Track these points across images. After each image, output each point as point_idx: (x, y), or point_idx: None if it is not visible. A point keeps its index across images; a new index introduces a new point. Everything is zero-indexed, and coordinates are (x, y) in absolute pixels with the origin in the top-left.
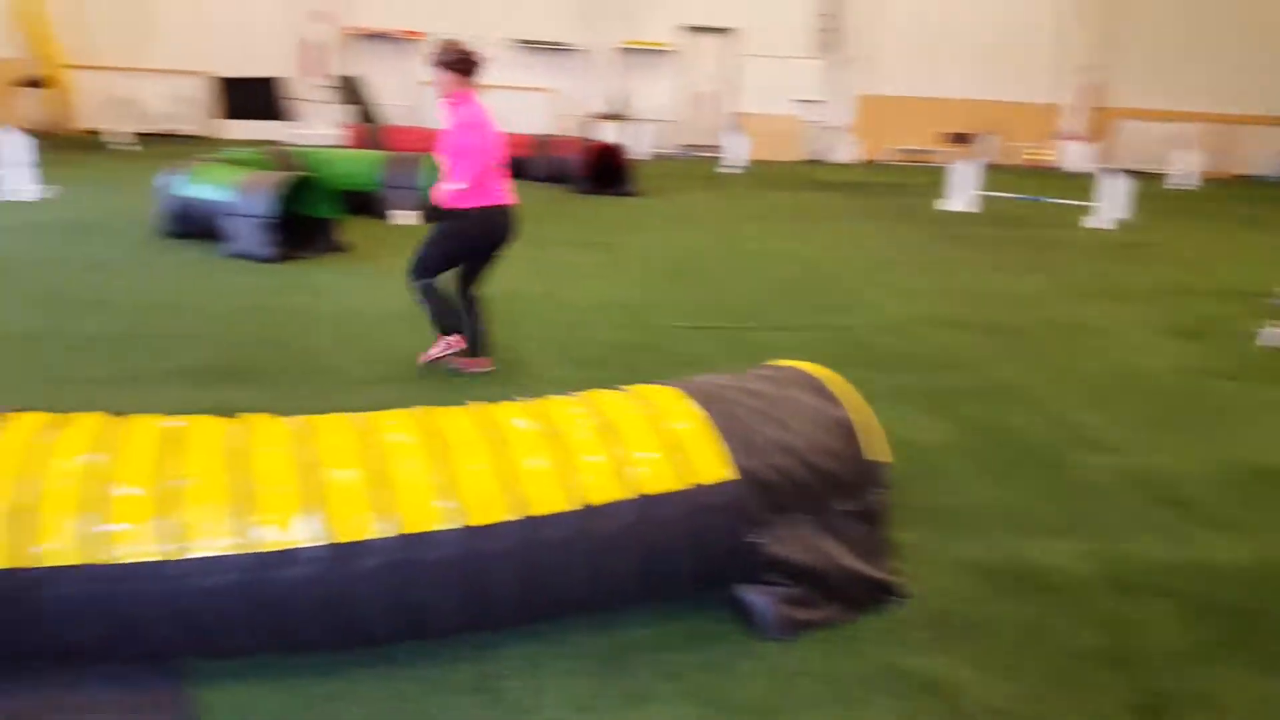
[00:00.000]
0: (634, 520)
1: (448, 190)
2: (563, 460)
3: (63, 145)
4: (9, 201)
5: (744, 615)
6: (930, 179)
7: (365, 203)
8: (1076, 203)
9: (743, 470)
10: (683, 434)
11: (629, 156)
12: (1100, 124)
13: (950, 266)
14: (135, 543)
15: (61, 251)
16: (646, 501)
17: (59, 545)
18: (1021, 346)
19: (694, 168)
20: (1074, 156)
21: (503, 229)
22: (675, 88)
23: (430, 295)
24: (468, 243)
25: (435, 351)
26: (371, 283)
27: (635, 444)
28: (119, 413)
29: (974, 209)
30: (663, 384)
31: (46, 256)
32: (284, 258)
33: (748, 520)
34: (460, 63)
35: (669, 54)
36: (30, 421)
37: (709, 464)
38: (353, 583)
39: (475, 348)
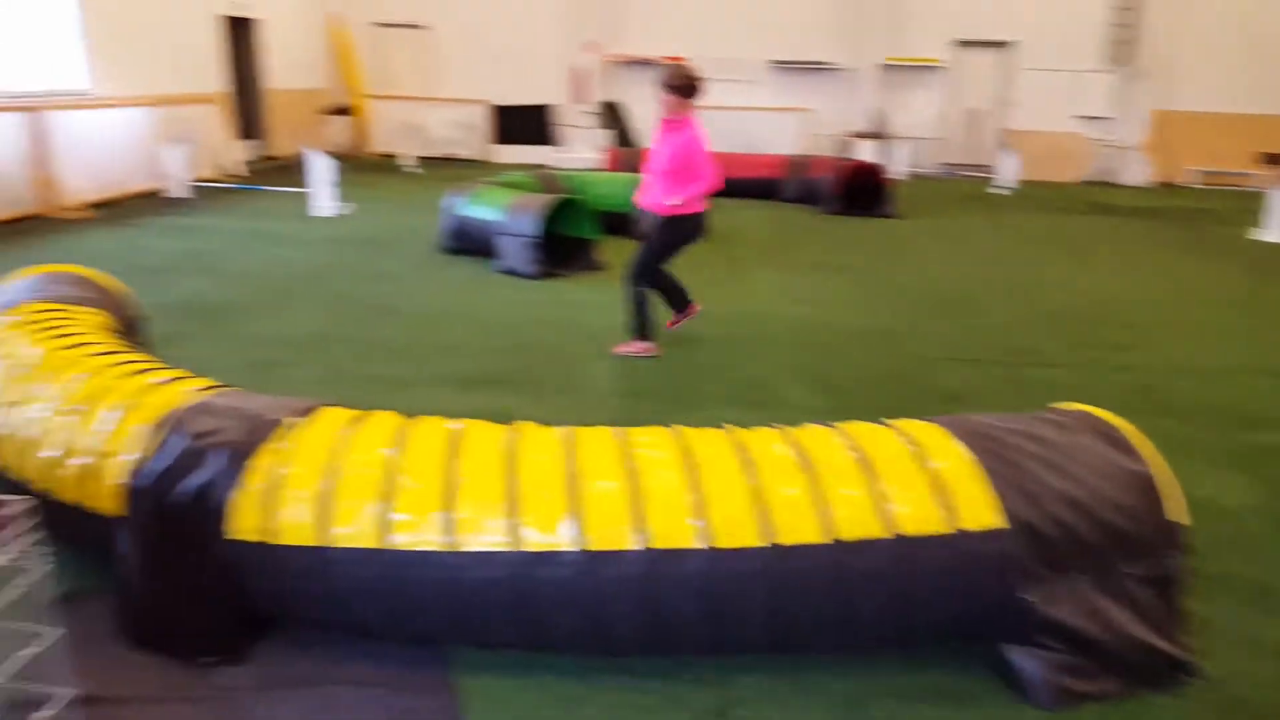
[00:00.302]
0: (889, 560)
1: (668, 202)
2: (816, 490)
3: (360, 167)
4: (315, 217)
5: (1007, 677)
6: (1240, 205)
7: (622, 223)
8: None
9: (1016, 519)
10: (946, 474)
11: (887, 176)
12: None
13: (1264, 305)
14: (418, 532)
15: (355, 262)
16: (904, 542)
17: (354, 529)
18: None
19: (959, 188)
20: None
21: (701, 231)
22: (941, 104)
23: (643, 303)
24: (676, 246)
25: (628, 349)
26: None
27: (894, 480)
28: (408, 413)
29: None
30: (927, 420)
31: (342, 266)
32: (546, 275)
33: (1019, 574)
34: (686, 87)
35: (936, 70)
36: (336, 415)
37: (976, 509)
38: (604, 589)
39: (684, 302)
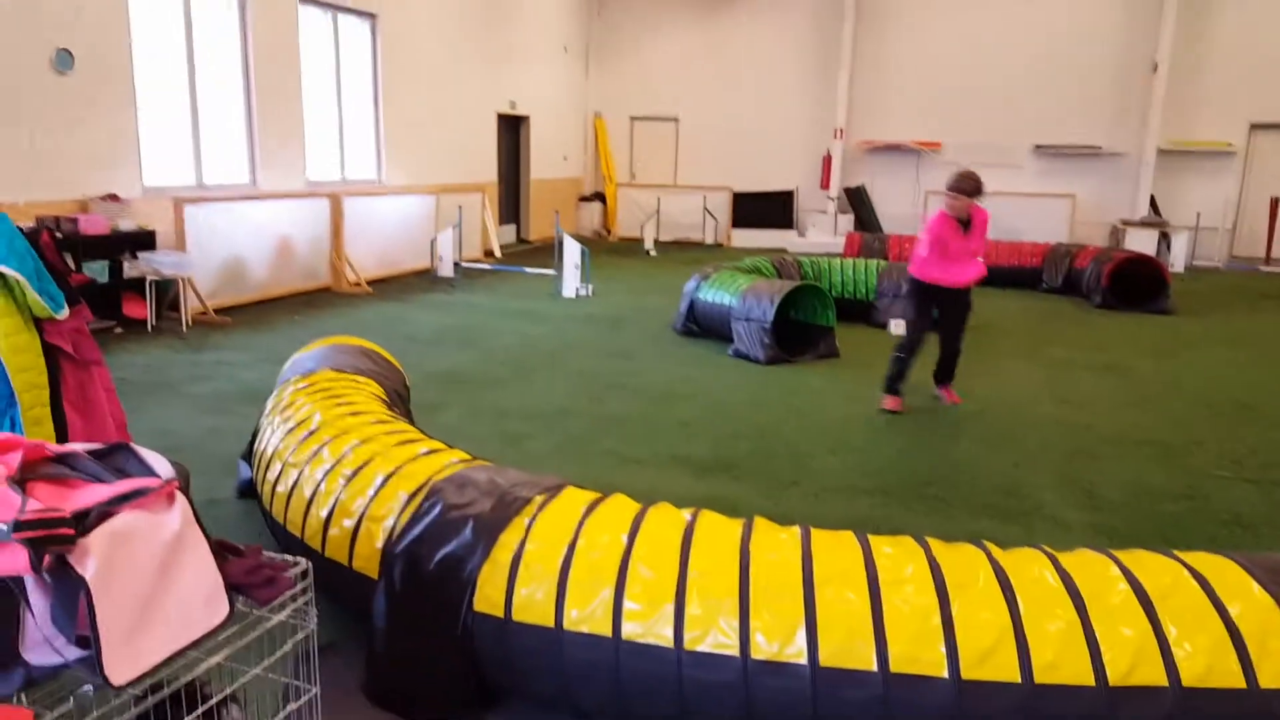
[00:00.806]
0: (1168, 714)
1: (977, 276)
2: (1086, 626)
3: (607, 250)
4: (563, 296)
5: None
6: None
7: (863, 310)
8: None
9: None
10: (1241, 620)
11: (1163, 268)
12: None
13: None
14: (649, 623)
15: (596, 341)
16: (1188, 694)
17: (588, 613)
18: None
19: (1251, 284)
20: None
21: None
22: (1231, 192)
23: (960, 355)
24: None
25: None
26: (861, 390)
27: (1180, 622)
28: (639, 490)
29: None
30: (1221, 554)
31: (584, 344)
32: (779, 360)
33: None
34: (977, 188)
35: (1225, 155)
36: (579, 496)
37: (1276, 664)
38: (836, 710)
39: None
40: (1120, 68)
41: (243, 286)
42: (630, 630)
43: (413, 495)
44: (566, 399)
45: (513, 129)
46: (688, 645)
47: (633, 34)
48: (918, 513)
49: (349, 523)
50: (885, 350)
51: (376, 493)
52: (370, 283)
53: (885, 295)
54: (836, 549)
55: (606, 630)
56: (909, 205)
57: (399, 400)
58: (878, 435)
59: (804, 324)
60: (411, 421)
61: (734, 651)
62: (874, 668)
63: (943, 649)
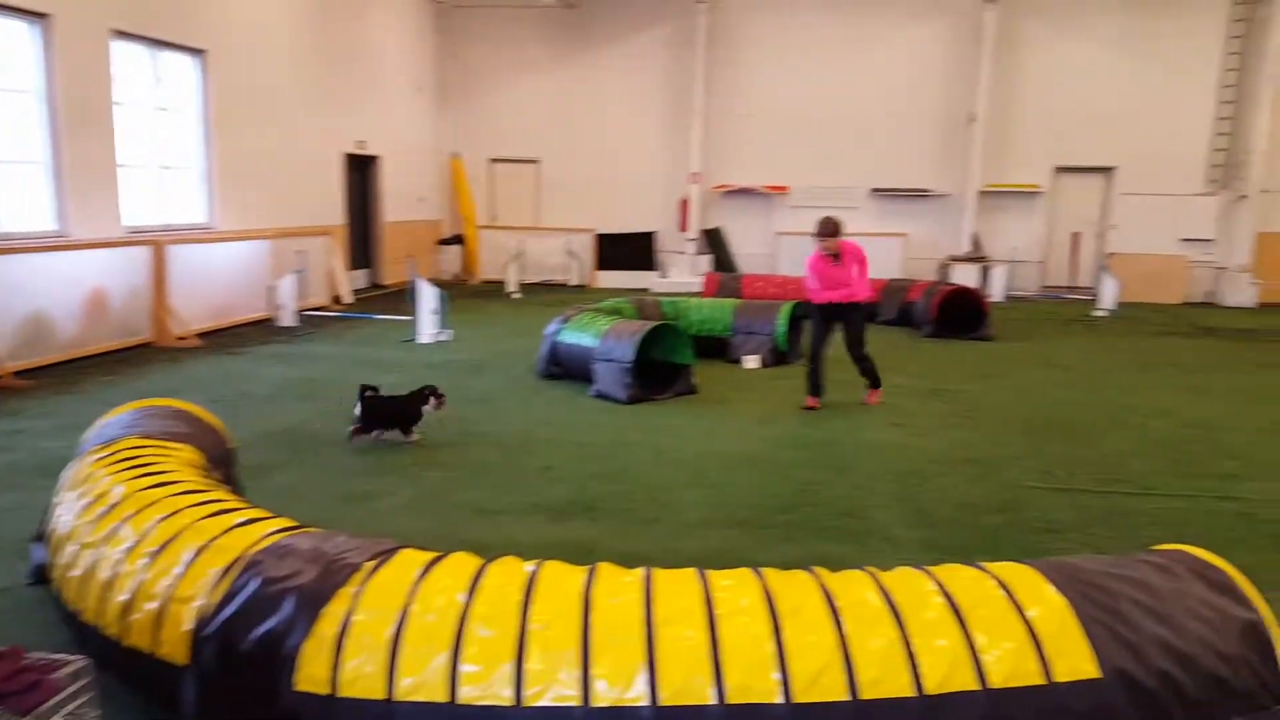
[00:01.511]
0: (980, 715)
1: (861, 293)
2: (906, 641)
3: (467, 294)
4: (418, 343)
5: None
6: None
7: (720, 347)
8: None
9: (1113, 670)
10: (1041, 623)
11: (985, 299)
12: None
13: None
14: (487, 684)
15: (452, 388)
16: (995, 695)
17: (421, 681)
18: None
19: (1059, 311)
20: None
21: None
22: (1040, 229)
23: (869, 361)
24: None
25: (875, 399)
26: (718, 425)
27: (987, 630)
28: (484, 550)
29: None
30: (1022, 562)
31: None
32: (640, 399)
33: None
34: (835, 230)
35: (1035, 195)
36: (413, 558)
37: (1071, 659)
38: None
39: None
40: (944, 118)
41: (47, 345)
42: (467, 694)
43: (226, 571)
44: (420, 451)
45: (362, 170)
46: (527, 701)
47: (489, 76)
48: (768, 541)
49: (152, 606)
50: (741, 385)
51: (184, 571)
52: (202, 335)
53: (740, 332)
54: (678, 588)
55: (442, 696)
56: (763, 246)
57: (220, 465)
58: (733, 468)
59: (663, 363)
60: (236, 488)
61: (576, 702)
62: (713, 701)
63: (776, 675)
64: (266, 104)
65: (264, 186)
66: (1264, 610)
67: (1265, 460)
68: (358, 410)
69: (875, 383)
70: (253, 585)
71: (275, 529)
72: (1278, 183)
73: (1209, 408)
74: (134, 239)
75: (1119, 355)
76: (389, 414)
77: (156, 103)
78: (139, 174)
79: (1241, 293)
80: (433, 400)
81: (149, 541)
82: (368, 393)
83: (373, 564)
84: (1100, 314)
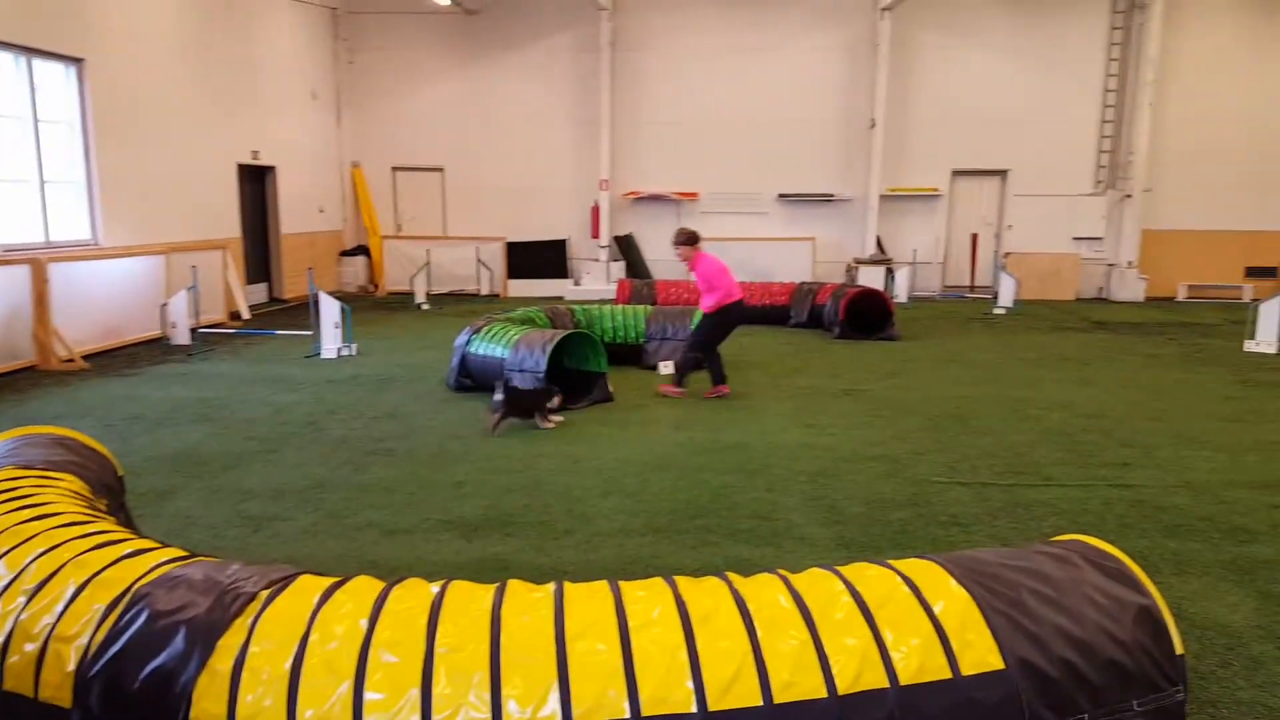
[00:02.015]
0: (891, 711)
1: (706, 305)
2: (817, 642)
3: (373, 307)
4: (321, 358)
5: None
6: (1229, 317)
7: (634, 353)
8: None
9: (1017, 661)
10: (946, 617)
11: (890, 300)
12: None
13: (1256, 416)
14: (393, 713)
15: (357, 404)
16: (905, 691)
17: (323, 713)
18: None
19: (960, 310)
20: None
21: (731, 319)
22: (940, 230)
23: (711, 359)
24: (716, 331)
25: (711, 393)
26: (634, 432)
27: (894, 627)
28: (392, 571)
29: None
30: (926, 558)
31: (344, 409)
32: (555, 410)
33: (1022, 718)
34: (690, 239)
35: (935, 198)
36: (312, 584)
37: (977, 652)
38: None
39: (721, 380)
40: (846, 124)
41: None
42: None
43: (112, 605)
44: (323, 471)
45: (257, 180)
46: None
47: (389, 83)
48: (685, 546)
49: (31, 647)
50: (656, 392)
51: (66, 607)
52: (89, 356)
53: (654, 338)
54: (589, 601)
55: None
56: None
57: (107, 493)
58: (648, 474)
59: (578, 371)
60: (126, 517)
61: None
62: (627, 715)
63: (690, 684)
64: (152, 114)
65: (153, 200)
66: (1157, 595)
67: (1155, 448)
68: (499, 396)
69: (679, 381)
70: (141, 619)
71: (165, 559)
72: (1160, 182)
73: (1102, 399)
74: (11, 258)
75: (1017, 351)
76: (525, 405)
77: (33, 114)
78: (15, 189)
79: (1130, 288)
80: (556, 398)
81: (27, 578)
82: (509, 386)
83: (269, 592)
84: (999, 312)
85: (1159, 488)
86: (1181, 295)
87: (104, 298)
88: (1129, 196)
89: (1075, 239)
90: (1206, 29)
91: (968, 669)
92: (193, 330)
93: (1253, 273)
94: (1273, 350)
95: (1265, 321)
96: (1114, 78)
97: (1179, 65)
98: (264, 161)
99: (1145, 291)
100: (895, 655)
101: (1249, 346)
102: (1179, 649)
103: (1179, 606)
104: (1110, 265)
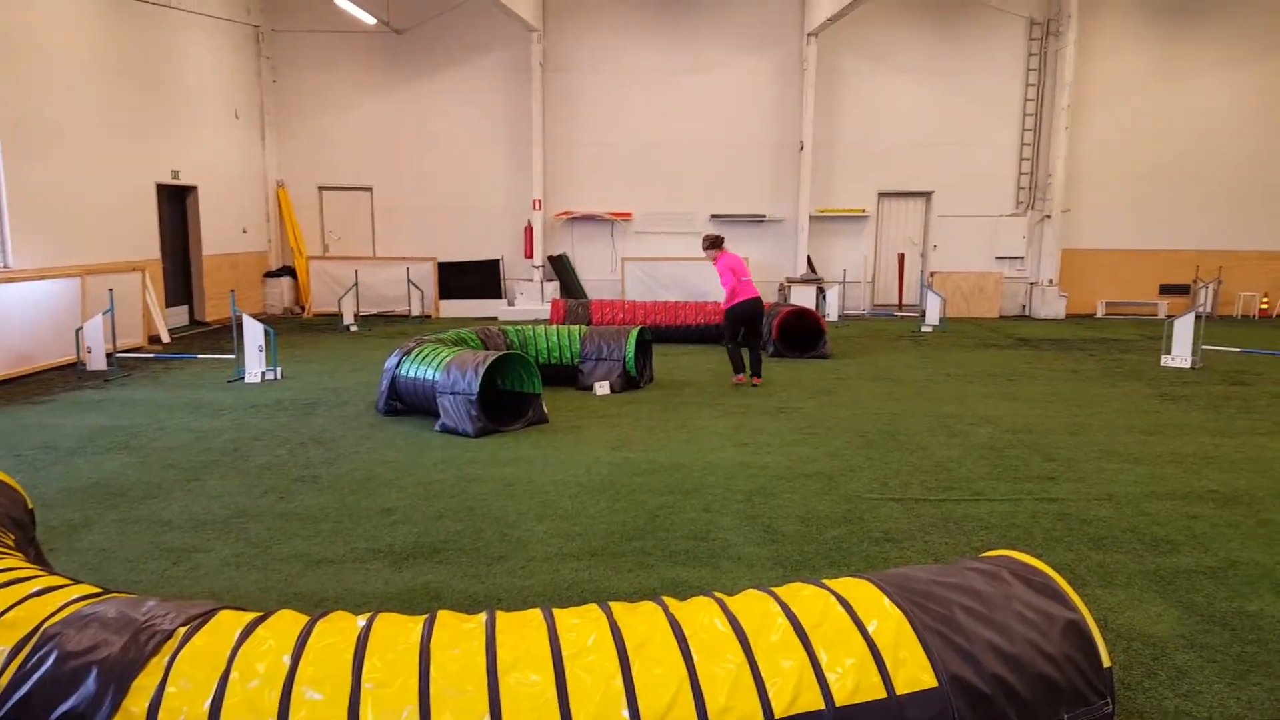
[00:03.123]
0: None
1: (727, 298)
2: (753, 666)
3: (300, 328)
4: (244, 383)
5: None
6: (1146, 333)
7: (569, 374)
8: None
9: (950, 678)
10: (880, 636)
11: (822, 319)
12: None
13: (1173, 429)
14: None
15: (286, 429)
16: (842, 713)
17: None
18: (1260, 520)
19: (889, 328)
20: None
21: (753, 310)
22: (868, 250)
23: (731, 351)
24: (734, 325)
25: (733, 381)
26: (569, 454)
27: (830, 647)
28: (318, 604)
29: (1197, 364)
30: (860, 576)
31: (269, 435)
32: (488, 431)
33: None
34: (712, 243)
35: (863, 219)
36: (233, 619)
37: (911, 670)
38: None
39: (756, 372)
40: (776, 146)
41: None
42: None
43: (18, 647)
44: (246, 500)
45: (178, 201)
46: None
47: (315, 101)
48: (621, 569)
49: None
50: (592, 412)
51: None
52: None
53: (589, 359)
54: (522, 631)
55: None
56: (609, 272)
57: (15, 528)
58: (584, 497)
59: (512, 392)
60: (36, 552)
61: None
62: None
63: (625, 713)
64: (65, 132)
65: (67, 220)
66: (1084, 610)
67: (1078, 461)
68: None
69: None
70: (49, 661)
71: (77, 596)
72: (1077, 203)
73: (1027, 414)
74: None
75: (945, 368)
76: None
77: None
78: None
79: (1051, 305)
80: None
81: None
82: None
83: (187, 629)
84: (927, 329)
85: (1083, 500)
86: (1100, 312)
87: (15, 322)
88: (1048, 217)
89: (998, 258)
90: (1118, 55)
91: (902, 687)
92: (109, 355)
93: (1166, 290)
94: (1187, 365)
95: (1180, 337)
96: (1032, 102)
97: (1093, 90)
98: (185, 181)
99: (1066, 308)
100: (831, 676)
101: (1165, 361)
102: (1106, 662)
103: (1105, 618)
104: (1032, 283)
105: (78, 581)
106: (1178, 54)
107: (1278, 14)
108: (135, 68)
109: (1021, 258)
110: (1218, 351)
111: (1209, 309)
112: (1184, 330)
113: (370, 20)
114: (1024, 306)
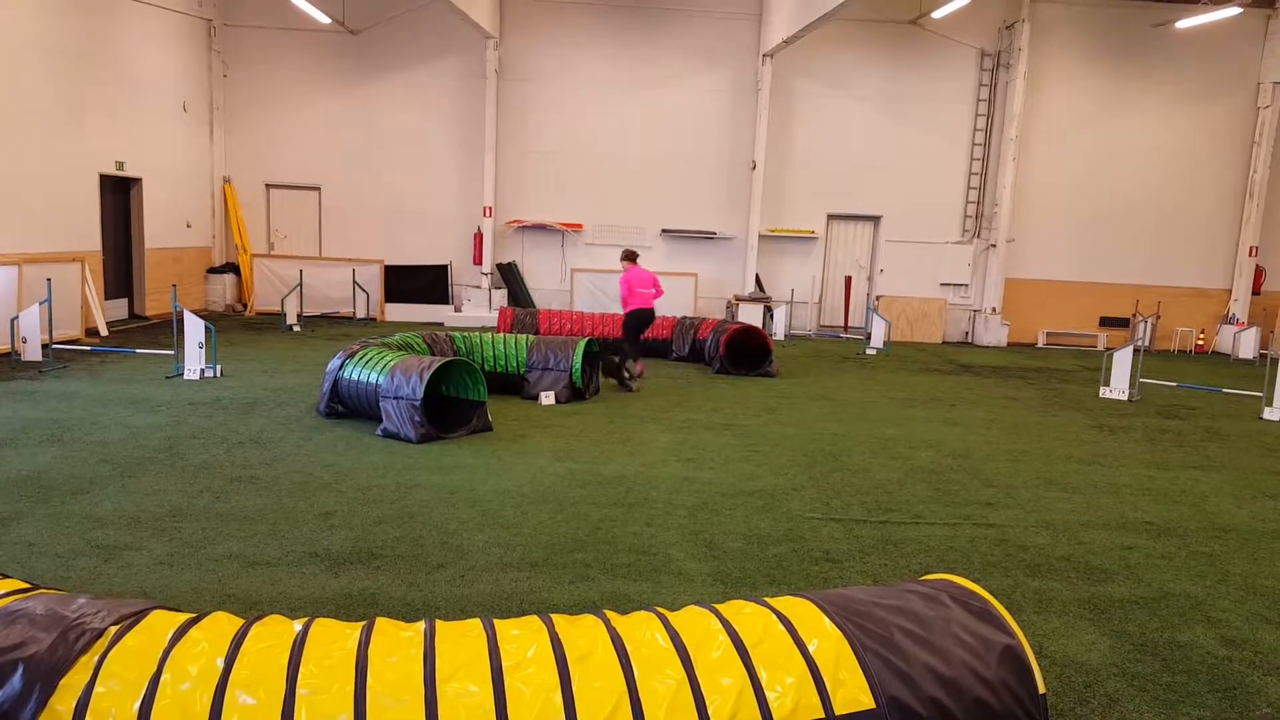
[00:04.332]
0: None
1: (627, 307)
2: (693, 682)
3: (242, 326)
4: (183, 379)
5: None
6: (1085, 364)
7: (515, 383)
8: (1250, 393)
9: (888, 699)
10: (820, 656)
11: (768, 338)
12: (1275, 309)
13: (1110, 460)
14: None
15: (224, 428)
16: None
17: None
18: (1193, 552)
19: (834, 349)
20: (1244, 343)
21: (648, 316)
22: (816, 271)
23: (623, 354)
24: (634, 329)
25: (636, 370)
26: (513, 463)
27: (769, 666)
28: (252, 606)
29: (1134, 397)
30: (801, 595)
31: (206, 433)
32: (431, 438)
33: None
34: (627, 255)
35: (811, 240)
36: (165, 620)
37: (849, 690)
38: None
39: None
40: (728, 164)
41: None
42: None
43: None
44: (181, 498)
45: (122, 192)
46: None
47: (265, 98)
48: (562, 581)
49: None
50: (536, 422)
51: None
52: None
53: (535, 368)
54: (462, 641)
55: None
56: (557, 281)
57: None
58: (526, 507)
59: (456, 399)
60: None
61: None
62: None
63: None
64: (4, 118)
65: (5, 208)
66: (1020, 635)
67: (1017, 488)
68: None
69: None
70: None
71: (3, 592)
72: (1022, 233)
73: (967, 439)
74: None
75: (888, 390)
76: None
77: None
78: None
79: (994, 332)
80: (639, 366)
81: None
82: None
83: (118, 628)
84: (871, 352)
85: (1021, 527)
86: (1041, 342)
87: None
88: (994, 246)
89: (943, 284)
90: (1065, 90)
91: (840, 708)
92: (45, 346)
93: (1106, 322)
94: (1125, 397)
95: (1118, 369)
96: (981, 132)
97: (1040, 123)
98: (129, 173)
99: (1008, 337)
100: (770, 694)
101: (1103, 393)
102: (1041, 688)
103: (1040, 645)
104: (975, 311)
105: (5, 576)
106: (1122, 91)
107: (1216, 56)
108: (81, 55)
109: (966, 285)
110: (1155, 385)
111: (1147, 343)
112: (1123, 363)
113: (325, 19)
114: (967, 333)
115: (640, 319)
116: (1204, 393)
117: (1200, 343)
